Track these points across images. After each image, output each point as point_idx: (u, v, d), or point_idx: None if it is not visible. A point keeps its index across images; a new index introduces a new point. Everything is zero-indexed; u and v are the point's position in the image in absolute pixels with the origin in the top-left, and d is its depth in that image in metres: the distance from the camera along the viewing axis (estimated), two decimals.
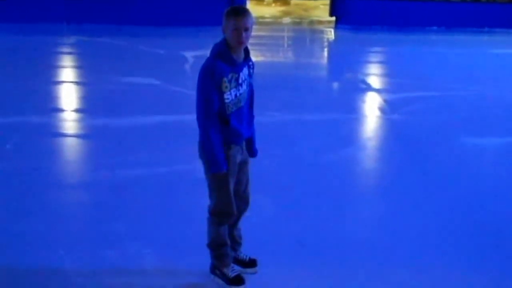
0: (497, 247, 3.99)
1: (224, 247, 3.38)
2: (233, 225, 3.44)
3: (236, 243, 3.50)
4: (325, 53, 13.39)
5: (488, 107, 7.76)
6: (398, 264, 3.72)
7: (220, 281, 3.40)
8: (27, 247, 3.78)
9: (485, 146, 6.20)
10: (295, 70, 10.30)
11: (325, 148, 5.92)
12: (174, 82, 8.50)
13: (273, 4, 21.01)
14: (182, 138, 5.60)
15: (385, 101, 7.91)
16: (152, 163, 5.31)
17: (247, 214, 3.50)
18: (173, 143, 5.83)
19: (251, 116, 3.35)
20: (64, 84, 8.71)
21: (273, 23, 17.19)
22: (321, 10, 19.22)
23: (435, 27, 15.62)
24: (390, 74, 10.25)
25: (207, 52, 3.17)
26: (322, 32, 15.70)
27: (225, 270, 3.39)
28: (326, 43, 14.50)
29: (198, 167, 3.32)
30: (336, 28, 15.72)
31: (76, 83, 8.85)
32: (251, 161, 3.42)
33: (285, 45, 14.51)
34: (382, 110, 7.51)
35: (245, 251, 3.56)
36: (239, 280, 3.38)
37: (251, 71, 3.26)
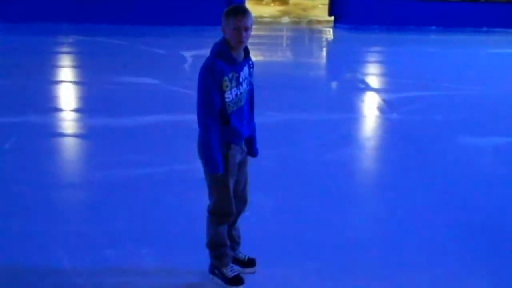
0: (496, 246, 3.99)
1: (223, 247, 3.38)
2: (232, 225, 3.44)
3: (234, 243, 3.50)
4: (324, 53, 13.39)
5: (487, 107, 7.77)
6: (397, 264, 3.72)
7: (219, 281, 3.40)
8: (26, 247, 3.78)
9: (484, 145, 6.20)
10: (294, 70, 10.30)
11: (324, 147, 5.92)
12: (174, 81, 8.50)
13: (272, 4, 21.01)
14: (182, 137, 5.60)
15: (384, 100, 7.92)
16: (151, 162, 5.31)
17: (246, 213, 3.51)
18: (173, 143, 5.83)
19: (251, 116, 3.35)
20: (63, 84, 8.70)
21: (272, 22, 17.19)
22: (320, 9, 19.22)
23: (433, 27, 15.63)
24: (389, 73, 10.26)
25: (206, 52, 3.17)
26: (321, 31, 15.70)
27: (224, 270, 3.39)
28: (325, 43, 14.50)
29: (197, 167, 3.32)
30: (334, 27, 15.72)
31: (75, 82, 8.84)
32: (250, 160, 3.43)
33: (284, 45, 14.51)
34: (381, 109, 7.52)
35: (244, 251, 3.56)
36: (238, 280, 3.38)
37: (251, 70, 3.27)
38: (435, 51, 12.47)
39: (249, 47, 3.20)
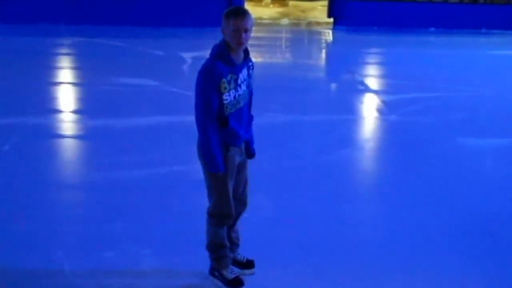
0: (494, 247, 4.00)
1: (223, 249, 3.38)
2: (231, 227, 3.44)
3: (233, 244, 3.50)
4: (323, 55, 13.40)
5: (486, 108, 7.78)
6: (396, 265, 3.73)
7: (219, 283, 3.40)
8: (26, 248, 3.78)
9: (482, 147, 6.21)
10: (293, 71, 10.31)
11: (323, 149, 5.92)
12: (172, 83, 8.50)
13: (271, 5, 21.02)
14: (181, 139, 5.60)
15: (383, 102, 7.93)
16: (151, 164, 5.31)
17: (245, 215, 3.51)
18: (172, 144, 5.83)
19: (250, 117, 3.35)
20: (62, 85, 8.70)
21: (271, 24, 17.20)
22: (319, 11, 19.24)
23: (432, 29, 15.65)
24: (388, 75, 10.27)
25: (205, 53, 3.17)
26: (320, 33, 15.71)
27: (224, 271, 3.39)
28: (324, 45, 14.51)
29: (196, 168, 3.32)
30: (334, 29, 15.74)
31: (74, 84, 8.84)
32: (249, 161, 3.43)
33: (283, 47, 14.52)
34: (380, 111, 7.52)
35: (244, 252, 3.56)
36: (238, 282, 3.39)
37: (251, 71, 3.27)
38: (434, 53, 12.49)
39: (249, 48, 3.20)
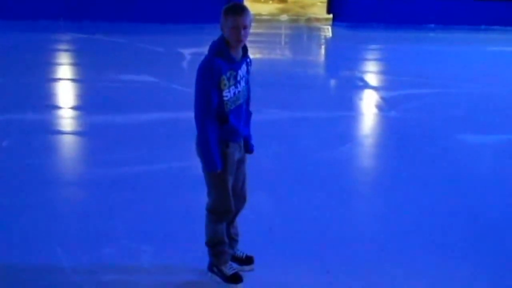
0: (495, 245, 4.00)
1: (222, 245, 3.38)
2: (230, 223, 3.45)
3: (233, 241, 3.50)
4: (322, 51, 13.38)
5: (486, 105, 7.77)
6: (397, 262, 3.73)
7: (218, 279, 3.40)
8: (24, 245, 3.78)
9: (482, 143, 6.21)
10: (292, 68, 10.29)
11: (322, 145, 5.92)
12: (172, 79, 8.48)
13: (271, 2, 20.97)
14: (180, 135, 5.59)
15: (383, 98, 7.92)
16: (150, 160, 5.31)
17: (245, 211, 3.51)
18: (171, 141, 5.83)
19: (248, 114, 3.36)
20: (62, 81, 8.68)
21: (271, 20, 17.17)
22: (318, 7, 19.18)
23: (432, 25, 15.62)
24: (387, 71, 10.25)
25: (204, 50, 3.16)
26: (319, 29, 15.68)
27: (223, 268, 3.40)
28: (323, 41, 14.48)
29: (196, 165, 3.32)
30: (333, 25, 15.69)
31: (73, 80, 8.83)
32: (249, 158, 3.43)
33: (282, 43, 14.50)
34: (379, 107, 7.52)
35: (243, 248, 3.57)
36: (237, 278, 3.39)
37: (249, 68, 3.27)
38: (433, 49, 12.46)
39: (248, 45, 3.19)
